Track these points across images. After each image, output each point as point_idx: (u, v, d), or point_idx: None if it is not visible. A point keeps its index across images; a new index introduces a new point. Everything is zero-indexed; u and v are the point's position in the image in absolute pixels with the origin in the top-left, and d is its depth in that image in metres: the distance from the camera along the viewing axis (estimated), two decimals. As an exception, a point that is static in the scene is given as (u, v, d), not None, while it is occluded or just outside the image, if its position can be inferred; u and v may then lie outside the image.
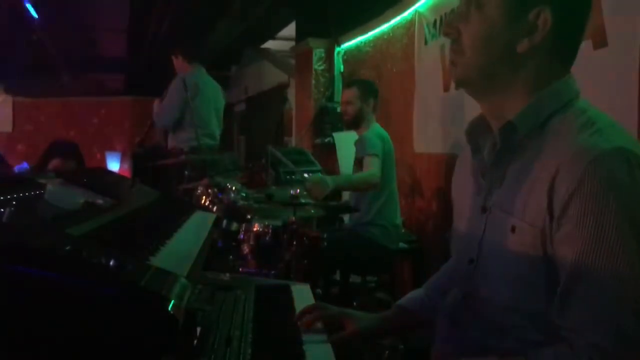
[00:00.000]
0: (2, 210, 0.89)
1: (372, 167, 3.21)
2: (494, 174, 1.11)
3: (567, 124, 1.02)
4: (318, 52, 5.61)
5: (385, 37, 4.64)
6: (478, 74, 1.09)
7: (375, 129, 3.38)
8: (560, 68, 1.07)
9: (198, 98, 4.29)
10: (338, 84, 5.52)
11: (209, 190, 3.16)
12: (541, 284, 0.98)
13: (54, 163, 2.70)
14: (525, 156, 1.05)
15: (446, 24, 1.12)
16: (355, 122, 3.44)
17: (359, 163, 3.35)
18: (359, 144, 3.39)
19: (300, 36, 5.99)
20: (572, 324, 0.93)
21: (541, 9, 1.02)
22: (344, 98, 3.49)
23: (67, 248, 0.79)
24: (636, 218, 0.90)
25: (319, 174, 3.59)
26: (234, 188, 3.23)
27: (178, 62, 4.48)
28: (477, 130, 1.18)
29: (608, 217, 0.90)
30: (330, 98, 5.57)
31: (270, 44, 7.77)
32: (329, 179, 3.18)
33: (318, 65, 5.61)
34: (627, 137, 0.99)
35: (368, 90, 3.45)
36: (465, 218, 1.19)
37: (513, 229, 1.02)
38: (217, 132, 4.61)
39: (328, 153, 5.22)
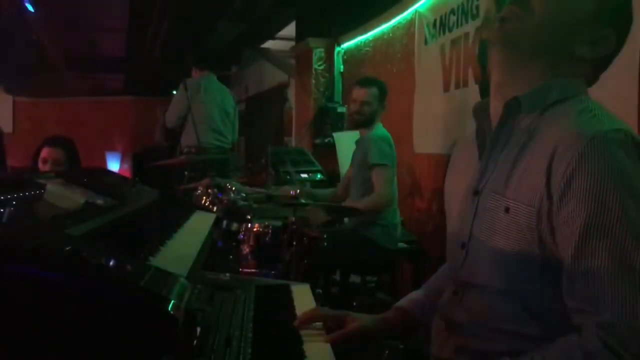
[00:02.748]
0: (2, 210, 0.89)
1: (384, 184, 3.16)
2: (490, 155, 1.12)
3: (565, 111, 1.04)
4: (318, 52, 5.60)
5: (385, 37, 4.64)
6: (532, 45, 1.06)
7: (379, 130, 3.34)
8: (592, 77, 1.13)
9: (199, 97, 4.46)
10: (338, 84, 5.52)
11: (209, 190, 3.16)
12: (535, 266, 0.99)
13: (44, 153, 2.73)
14: (521, 140, 1.06)
15: None
16: (367, 122, 3.35)
17: (357, 166, 3.30)
18: (364, 146, 3.29)
19: (300, 36, 5.98)
20: (580, 303, 0.91)
21: (611, 32, 1.06)
22: (361, 97, 3.34)
23: (67, 248, 0.79)
24: (638, 192, 0.91)
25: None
26: (234, 188, 3.23)
27: (194, 71, 4.82)
28: (482, 112, 1.18)
29: (610, 191, 0.90)
30: (330, 98, 5.56)
31: (270, 44, 7.75)
32: (322, 210, 3.13)
33: (318, 65, 5.60)
34: (625, 124, 1.00)
35: (385, 92, 3.39)
36: (457, 214, 1.19)
37: (507, 210, 1.02)
38: (227, 133, 4.72)
39: (328, 153, 5.21)
